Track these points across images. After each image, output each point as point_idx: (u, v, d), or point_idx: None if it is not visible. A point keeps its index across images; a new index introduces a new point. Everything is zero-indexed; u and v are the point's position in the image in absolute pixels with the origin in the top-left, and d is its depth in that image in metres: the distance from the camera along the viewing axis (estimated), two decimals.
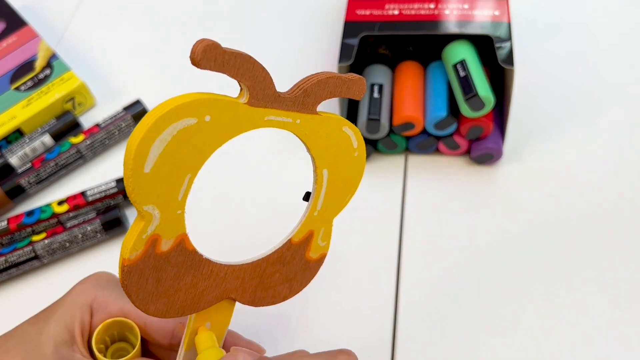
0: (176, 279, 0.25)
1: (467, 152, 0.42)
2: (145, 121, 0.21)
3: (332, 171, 0.27)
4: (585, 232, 0.39)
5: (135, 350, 0.30)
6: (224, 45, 0.21)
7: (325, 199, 0.27)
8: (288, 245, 0.28)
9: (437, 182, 0.42)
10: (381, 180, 0.42)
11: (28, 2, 0.56)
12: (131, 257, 0.23)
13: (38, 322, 0.30)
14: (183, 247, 0.24)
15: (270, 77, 0.23)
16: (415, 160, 0.43)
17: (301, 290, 0.29)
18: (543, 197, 0.41)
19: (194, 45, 0.21)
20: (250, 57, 0.22)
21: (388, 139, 0.41)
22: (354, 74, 0.25)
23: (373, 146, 0.42)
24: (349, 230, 0.39)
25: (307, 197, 0.27)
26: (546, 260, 0.38)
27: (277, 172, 0.43)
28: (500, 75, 0.42)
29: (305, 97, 0.24)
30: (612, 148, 0.42)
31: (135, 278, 0.23)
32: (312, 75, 0.24)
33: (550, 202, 0.40)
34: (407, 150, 0.43)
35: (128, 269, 0.23)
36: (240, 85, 0.23)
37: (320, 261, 0.29)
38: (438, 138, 0.41)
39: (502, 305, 0.36)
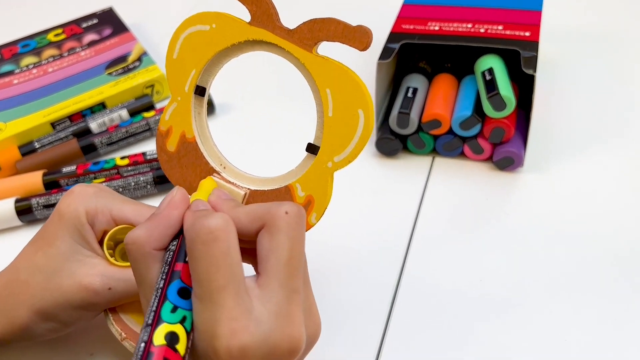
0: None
1: (491, 158, 0.45)
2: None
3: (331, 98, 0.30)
4: (591, 254, 0.39)
5: None
6: None
7: None
8: None
9: (458, 184, 0.44)
10: (405, 178, 0.45)
11: (139, 20, 0.66)
12: (162, 129, 0.31)
13: (42, 248, 0.32)
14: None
15: (275, 10, 0.29)
16: (441, 162, 0.46)
17: None
18: (558, 211, 0.42)
19: None
20: None
21: (417, 137, 0.45)
22: (361, 25, 0.28)
23: (403, 144, 0.46)
24: (362, 218, 0.42)
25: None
26: (551, 273, 0.38)
27: None
28: (530, 93, 0.45)
29: (301, 32, 0.29)
30: (632, 175, 0.44)
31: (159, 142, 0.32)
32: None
33: (565, 216, 0.41)
34: (435, 151, 0.46)
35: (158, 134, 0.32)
36: (247, 9, 0.29)
37: None
38: (463, 140, 0.44)
39: (507, 319, 0.36)
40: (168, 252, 0.26)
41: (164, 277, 0.25)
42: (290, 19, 0.31)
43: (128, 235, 0.26)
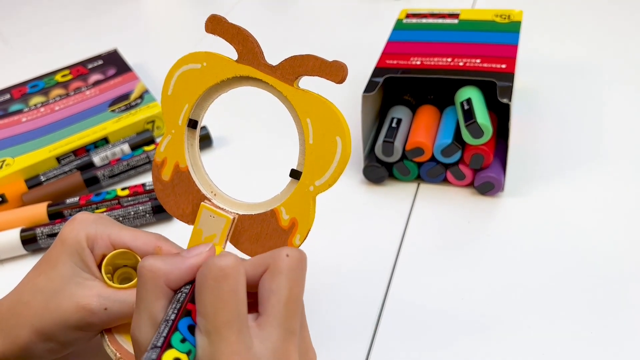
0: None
1: (472, 184, 0.47)
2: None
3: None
4: (569, 274, 0.40)
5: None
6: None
7: None
8: None
9: (441, 209, 0.46)
10: (392, 204, 0.47)
11: (142, 60, 0.69)
12: (157, 160, 0.34)
13: (44, 271, 0.34)
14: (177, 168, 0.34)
15: (259, 49, 0.32)
16: (426, 188, 0.48)
17: None
18: (537, 233, 0.44)
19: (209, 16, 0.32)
20: (245, 31, 0.32)
21: (401, 164, 0.47)
22: (337, 60, 0.30)
23: (389, 172, 0.48)
24: (350, 241, 0.44)
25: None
26: (529, 291, 0.40)
27: None
28: (508, 121, 0.47)
29: (283, 68, 0.31)
30: (607, 197, 0.46)
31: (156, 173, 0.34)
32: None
33: (543, 238, 0.43)
34: (420, 178, 0.48)
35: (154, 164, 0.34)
36: (234, 48, 0.32)
37: None
38: (446, 167, 0.47)
39: (489, 337, 0.37)
40: (180, 293, 0.28)
41: (175, 311, 0.26)
42: (276, 57, 0.34)
43: (146, 260, 0.28)
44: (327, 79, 0.30)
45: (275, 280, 0.27)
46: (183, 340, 0.25)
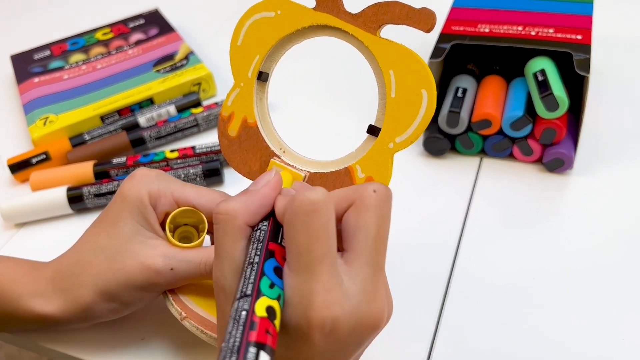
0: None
1: (540, 160, 0.45)
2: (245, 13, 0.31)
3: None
4: None
5: (202, 237, 0.34)
6: None
7: None
8: None
9: (507, 185, 0.44)
10: (453, 179, 0.45)
11: (184, 21, 0.67)
12: (224, 114, 0.32)
13: (105, 229, 0.32)
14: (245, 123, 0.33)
15: None
16: (489, 162, 0.46)
17: None
18: (609, 213, 0.41)
19: None
20: None
21: (466, 137, 0.45)
22: (425, 7, 0.28)
23: (451, 144, 0.46)
24: (410, 216, 0.42)
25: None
26: (603, 273, 0.38)
27: None
28: (578, 98, 0.45)
29: (365, 15, 0.29)
30: None
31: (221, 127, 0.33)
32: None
33: (616, 219, 0.41)
34: (483, 152, 0.46)
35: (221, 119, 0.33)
36: None
37: None
38: (513, 141, 0.44)
39: (562, 320, 0.36)
40: (259, 231, 0.26)
41: (259, 253, 0.25)
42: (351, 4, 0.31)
43: (220, 206, 0.26)
44: (415, 27, 0.28)
45: (362, 216, 0.25)
46: (272, 286, 0.24)
